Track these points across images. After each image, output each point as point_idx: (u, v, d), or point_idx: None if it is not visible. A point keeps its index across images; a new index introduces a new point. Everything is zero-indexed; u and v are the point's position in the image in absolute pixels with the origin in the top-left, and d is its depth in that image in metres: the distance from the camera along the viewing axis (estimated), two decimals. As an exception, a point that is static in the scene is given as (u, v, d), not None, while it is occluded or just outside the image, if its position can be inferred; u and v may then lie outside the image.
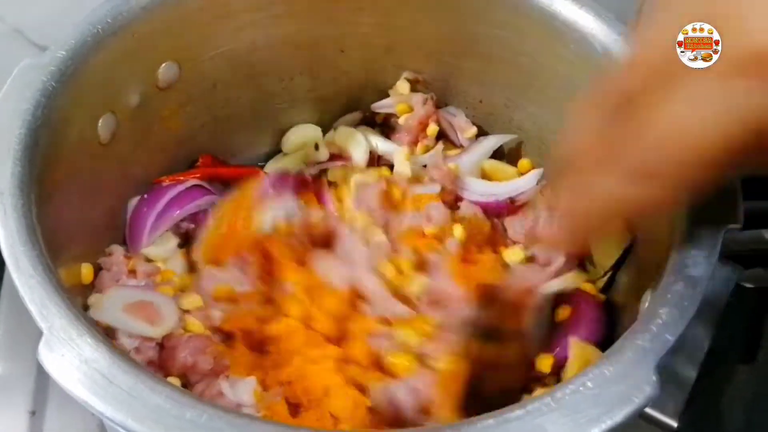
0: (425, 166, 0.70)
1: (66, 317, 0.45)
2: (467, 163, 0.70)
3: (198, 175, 0.69)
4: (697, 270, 0.48)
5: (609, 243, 0.63)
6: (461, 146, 0.73)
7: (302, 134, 0.75)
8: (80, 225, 0.59)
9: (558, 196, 0.49)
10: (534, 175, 0.69)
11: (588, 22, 0.61)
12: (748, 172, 0.47)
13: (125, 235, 0.66)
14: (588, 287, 0.63)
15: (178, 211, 0.66)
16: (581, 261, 0.66)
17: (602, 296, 0.63)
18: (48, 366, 0.43)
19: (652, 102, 0.40)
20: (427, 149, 0.73)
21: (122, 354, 0.45)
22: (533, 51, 0.65)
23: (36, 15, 0.75)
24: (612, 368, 0.44)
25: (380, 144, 0.73)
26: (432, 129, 0.72)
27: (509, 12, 0.64)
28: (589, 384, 0.43)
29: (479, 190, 0.69)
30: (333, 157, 0.73)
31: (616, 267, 0.63)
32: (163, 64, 0.64)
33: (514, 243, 0.67)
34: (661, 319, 0.46)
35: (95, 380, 0.43)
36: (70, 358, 0.44)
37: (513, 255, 0.65)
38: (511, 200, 0.68)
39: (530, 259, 0.64)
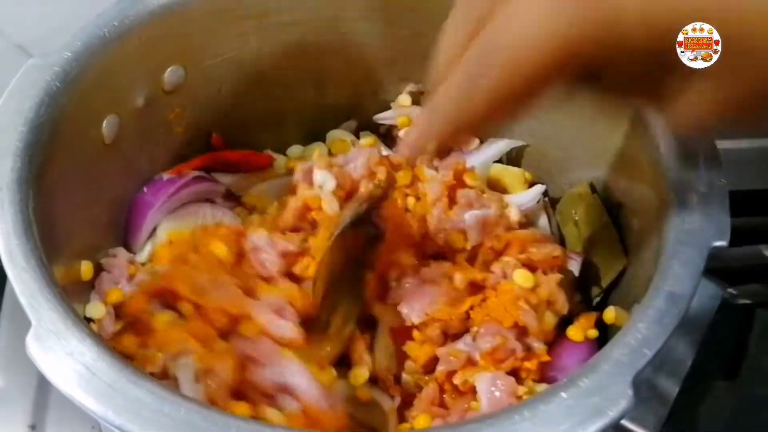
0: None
1: (55, 311, 0.46)
2: (476, 161, 0.70)
3: (200, 165, 0.69)
4: (679, 287, 0.48)
5: (607, 265, 0.63)
6: (461, 158, 0.74)
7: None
8: (81, 222, 0.59)
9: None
10: (536, 190, 0.70)
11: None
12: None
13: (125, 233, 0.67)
14: (576, 334, 0.60)
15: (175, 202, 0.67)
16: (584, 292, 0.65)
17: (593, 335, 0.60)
18: (35, 357, 0.44)
19: (500, 9, 0.42)
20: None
21: (108, 348, 0.46)
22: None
23: (37, 30, 0.76)
24: (587, 380, 0.44)
25: (383, 151, 0.74)
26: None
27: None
28: (563, 395, 0.43)
29: None
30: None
31: (610, 287, 0.63)
32: (169, 68, 0.65)
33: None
34: (641, 334, 0.46)
35: (80, 373, 0.44)
36: (57, 350, 0.45)
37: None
38: None
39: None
